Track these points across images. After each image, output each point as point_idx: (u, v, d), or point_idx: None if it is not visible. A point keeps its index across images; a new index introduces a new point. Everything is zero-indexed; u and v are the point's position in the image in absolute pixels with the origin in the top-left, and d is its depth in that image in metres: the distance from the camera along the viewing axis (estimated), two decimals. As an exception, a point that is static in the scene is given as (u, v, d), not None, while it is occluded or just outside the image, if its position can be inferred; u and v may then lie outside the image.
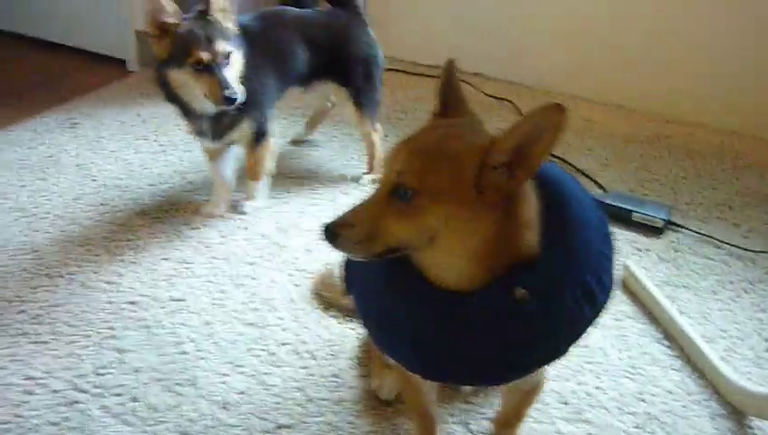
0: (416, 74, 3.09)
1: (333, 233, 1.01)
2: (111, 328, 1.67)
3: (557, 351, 1.07)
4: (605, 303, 1.06)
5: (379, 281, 1.12)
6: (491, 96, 2.87)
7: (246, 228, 2.04)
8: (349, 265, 1.23)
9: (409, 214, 0.97)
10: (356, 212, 1.01)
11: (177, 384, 1.52)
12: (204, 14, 1.81)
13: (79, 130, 2.54)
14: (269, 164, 2.12)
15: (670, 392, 1.54)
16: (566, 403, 1.49)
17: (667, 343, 1.66)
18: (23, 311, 1.72)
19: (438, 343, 1.05)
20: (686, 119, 2.70)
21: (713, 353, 1.59)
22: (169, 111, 2.56)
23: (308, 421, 1.44)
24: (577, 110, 2.73)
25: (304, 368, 1.57)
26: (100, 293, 1.78)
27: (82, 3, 3.01)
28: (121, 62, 3.05)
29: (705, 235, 2.04)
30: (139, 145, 2.46)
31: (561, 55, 2.87)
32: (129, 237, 1.98)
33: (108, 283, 1.81)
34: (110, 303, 1.75)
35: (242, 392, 1.51)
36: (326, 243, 1.01)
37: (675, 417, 1.48)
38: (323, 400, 1.50)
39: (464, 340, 1.03)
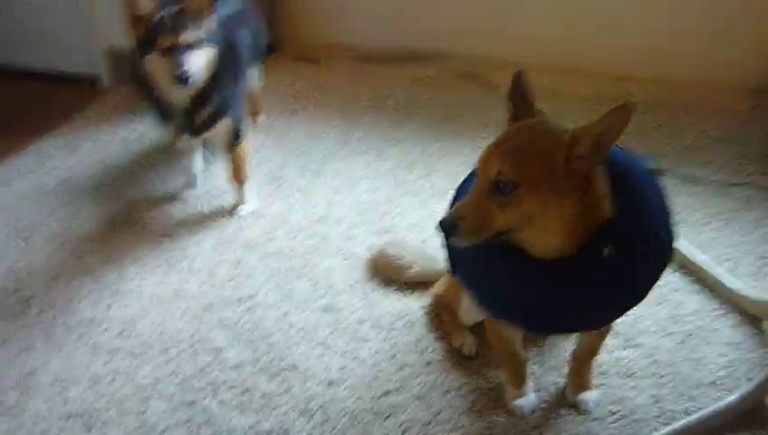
0: (386, 60, 3.24)
1: (449, 227, 1.21)
2: (197, 331, 1.82)
3: (641, 295, 1.33)
4: (672, 250, 1.30)
5: (486, 260, 1.34)
6: (459, 73, 3.09)
7: (284, 224, 2.20)
8: (451, 250, 1.44)
9: (511, 204, 1.18)
10: (464, 207, 1.22)
11: (281, 371, 1.70)
12: (181, 10, 1.94)
13: (80, 152, 2.61)
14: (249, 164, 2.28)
15: (697, 311, 1.82)
16: (617, 333, 1.75)
17: (683, 270, 1.94)
18: (106, 329, 1.84)
19: (546, 304, 1.30)
20: (637, 75, 2.99)
21: (724, 274, 1.89)
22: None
23: (408, 384, 1.65)
24: (542, 77, 2.97)
25: (387, 339, 1.77)
26: (172, 302, 1.92)
27: (48, 25, 3.04)
28: (92, 81, 3.10)
29: (684, 174, 2.34)
30: (149, 160, 2.56)
31: (521, 28, 3.10)
32: (178, 248, 2.11)
33: (175, 291, 1.95)
34: (187, 309, 1.89)
35: (342, 368, 1.69)
36: (443, 236, 1.23)
37: (706, 331, 1.76)
38: (414, 363, 1.70)
39: (567, 299, 1.28)
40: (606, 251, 1.22)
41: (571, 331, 1.55)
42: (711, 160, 2.44)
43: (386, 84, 3.05)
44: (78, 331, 1.83)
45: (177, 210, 2.28)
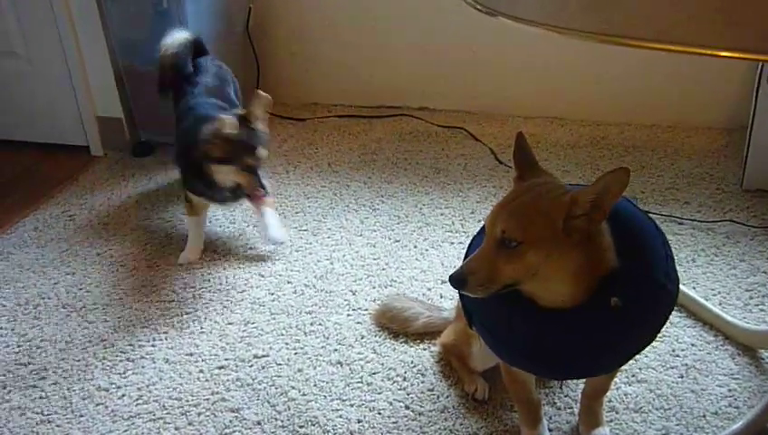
0: (370, 117, 3.36)
1: (460, 281, 1.31)
2: (215, 392, 1.86)
3: (647, 342, 1.42)
4: (677, 295, 1.39)
5: (497, 311, 1.43)
6: (443, 126, 3.21)
7: (290, 282, 2.25)
8: (467, 304, 1.51)
9: (516, 258, 1.28)
10: (472, 262, 1.32)
11: (300, 427, 1.74)
12: (246, 120, 2.21)
13: (78, 221, 2.65)
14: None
15: (693, 345, 1.91)
16: (621, 371, 1.82)
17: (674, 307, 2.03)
18: (123, 395, 1.87)
19: (556, 352, 1.38)
20: (613, 120, 3.14)
21: (715, 308, 1.98)
22: (157, 188, 2.78)
23: (426, 431, 1.70)
24: (522, 127, 3.11)
25: (401, 389, 1.83)
26: (186, 365, 1.96)
27: (38, 96, 3.10)
28: (83, 149, 3.15)
29: (667, 215, 2.45)
30: (147, 225, 2.61)
31: (498, 81, 3.24)
32: (185, 311, 2.16)
33: (188, 354, 1.99)
34: (201, 371, 1.93)
35: (360, 421, 1.74)
36: (456, 289, 1.34)
37: (705, 363, 1.84)
38: (430, 411, 1.76)
39: (575, 347, 1.37)
40: (614, 301, 1.31)
41: (581, 376, 1.63)
42: (691, 199, 2.55)
43: (374, 140, 3.15)
44: (95, 399, 1.86)
45: (181, 273, 2.33)
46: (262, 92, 2.27)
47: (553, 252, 1.27)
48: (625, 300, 1.30)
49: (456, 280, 1.31)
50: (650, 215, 2.38)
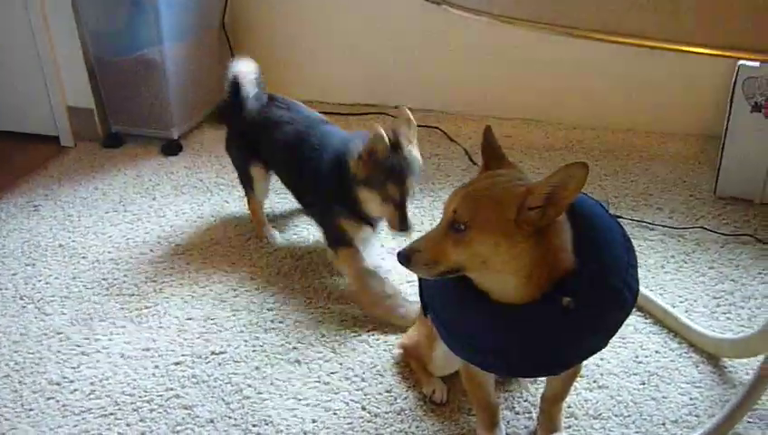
0: (345, 114, 3.33)
1: (406, 257, 1.30)
2: (169, 389, 1.82)
3: (598, 346, 1.40)
4: (634, 304, 1.36)
5: (451, 302, 1.42)
6: (418, 125, 3.16)
7: (252, 279, 2.22)
8: (424, 291, 1.49)
9: (463, 243, 1.27)
10: (423, 241, 1.32)
11: (253, 426, 1.70)
12: (397, 147, 1.96)
13: (43, 211, 2.61)
14: None
15: (657, 352, 1.88)
16: (582, 376, 1.79)
17: (640, 313, 2.01)
18: (75, 390, 1.83)
19: (503, 347, 1.36)
20: (590, 124, 3.12)
21: (680, 315, 1.96)
22: (126, 181, 2.73)
23: (381, 433, 1.67)
24: (499, 128, 3.08)
25: (359, 390, 1.79)
26: (142, 360, 1.92)
27: (9, 85, 3.06)
28: (53, 139, 3.10)
29: (639, 220, 2.42)
30: (111, 217, 2.57)
31: (475, 81, 3.21)
32: (145, 305, 2.12)
33: (145, 349, 1.95)
34: (157, 367, 1.89)
35: (314, 421, 1.71)
36: (401, 264, 1.32)
37: (668, 370, 1.82)
38: (387, 413, 1.73)
39: (523, 343, 1.33)
40: (565, 301, 1.27)
41: (531, 375, 1.60)
42: (663, 205, 2.53)
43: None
44: (46, 393, 1.82)
45: (144, 267, 2.29)
46: (406, 110, 2.05)
47: (502, 241, 1.24)
48: (577, 302, 1.27)
49: (403, 256, 1.31)
50: (622, 219, 2.40)
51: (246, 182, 2.41)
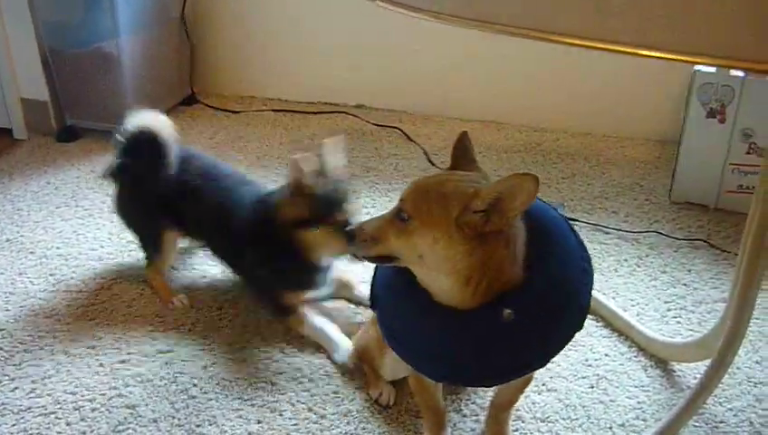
0: (305, 112, 3.31)
1: (351, 235, 1.34)
2: (113, 387, 1.78)
3: (537, 363, 1.37)
4: (580, 323, 1.34)
5: (394, 296, 1.41)
6: (378, 124, 3.16)
7: (205, 276, 2.18)
8: (375, 283, 1.47)
9: (405, 232, 1.27)
10: (370, 222, 1.34)
11: (197, 426, 1.67)
12: (325, 172, 1.84)
13: (-8, 204, 2.56)
14: None
15: (607, 355, 1.88)
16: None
17: (591, 316, 2.01)
18: (16, 388, 1.78)
19: (439, 351, 1.34)
20: (549, 127, 3.12)
21: (631, 319, 1.96)
22: (79, 175, 2.68)
23: (327, 434, 1.65)
24: (458, 128, 3.06)
25: (306, 391, 1.77)
26: (86, 357, 1.87)
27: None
28: (6, 132, 3.04)
29: (594, 224, 2.43)
30: (62, 212, 2.52)
31: (436, 82, 3.20)
32: (92, 302, 2.07)
33: (90, 347, 1.91)
34: (101, 365, 1.85)
35: (259, 422, 1.68)
36: (347, 240, 1.35)
37: (617, 374, 1.82)
38: (333, 414, 1.70)
39: (459, 350, 1.32)
40: (506, 313, 1.25)
41: (463, 384, 1.59)
42: (618, 209, 2.54)
43: (307, 136, 3.09)
44: (-15, 390, 1.78)
45: (92, 263, 2.25)
46: (335, 139, 1.89)
47: (440, 239, 1.23)
48: (520, 314, 1.25)
49: (349, 233, 1.34)
50: (577, 222, 2.40)
51: (154, 248, 2.11)
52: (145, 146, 1.98)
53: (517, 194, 1.18)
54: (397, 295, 1.40)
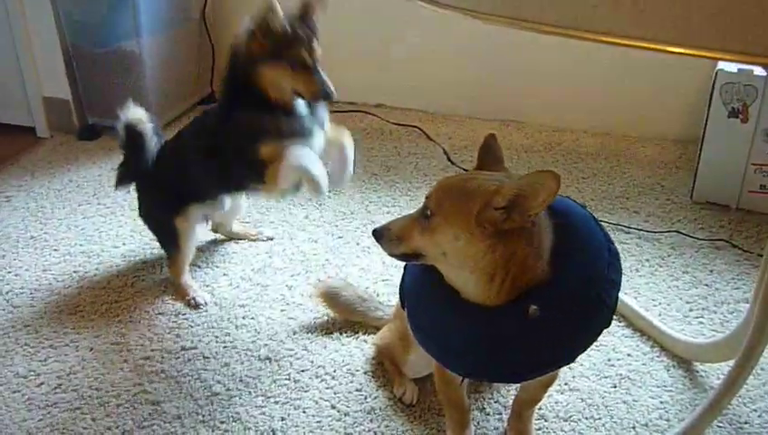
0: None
1: (379, 233, 1.36)
2: (138, 384, 1.80)
3: (563, 360, 1.37)
4: (608, 320, 1.33)
5: (423, 294, 1.42)
6: (397, 124, 3.16)
7: (226, 274, 2.20)
8: (404, 281, 1.49)
9: (428, 230, 1.29)
10: (396, 221, 1.36)
11: (221, 422, 1.68)
12: (303, 18, 1.85)
13: (15, 202, 2.57)
14: None
15: (629, 355, 1.88)
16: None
17: (614, 316, 2.00)
18: (42, 383, 1.80)
19: (466, 348, 1.34)
20: (569, 126, 3.12)
21: (654, 319, 1.96)
22: (101, 173, 2.70)
23: (350, 432, 1.65)
24: (479, 128, 3.08)
25: (329, 388, 1.78)
26: (111, 354, 1.89)
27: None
28: (29, 130, 3.07)
29: (615, 223, 2.42)
30: (85, 210, 2.54)
31: (457, 82, 3.19)
32: (116, 299, 2.09)
33: (114, 344, 1.93)
34: (126, 361, 1.87)
35: (283, 419, 1.69)
36: (374, 239, 1.38)
37: (640, 374, 1.82)
38: (356, 412, 1.71)
39: (486, 347, 1.32)
40: (531, 309, 1.25)
41: (490, 380, 1.59)
42: (639, 209, 2.54)
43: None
44: (12, 386, 1.79)
45: (116, 260, 2.26)
46: None
47: (461, 235, 1.24)
48: (546, 311, 1.25)
49: (376, 231, 1.37)
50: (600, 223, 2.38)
51: (171, 241, 2.10)
52: (130, 142, 2.06)
53: (539, 191, 1.18)
54: (425, 293, 1.41)
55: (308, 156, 1.84)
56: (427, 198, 1.30)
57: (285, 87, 1.83)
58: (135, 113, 2.05)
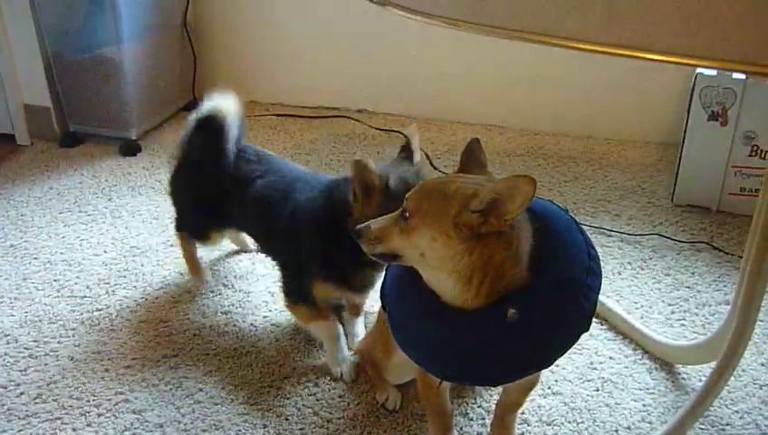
0: (308, 117, 3.31)
1: (359, 232, 1.37)
2: (119, 392, 1.78)
3: (545, 361, 1.37)
4: (587, 324, 1.33)
5: (403, 297, 1.42)
6: (380, 129, 3.17)
7: (208, 281, 2.18)
8: (385, 283, 1.49)
9: (406, 231, 1.29)
10: (377, 221, 1.36)
11: (203, 431, 1.67)
12: (406, 157, 1.67)
13: (-4, 210, 2.56)
14: None
15: (611, 358, 1.88)
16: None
17: (596, 319, 2.01)
18: (21, 393, 1.79)
19: (446, 351, 1.33)
20: (551, 130, 3.13)
21: (636, 322, 1.96)
22: (82, 181, 2.68)
23: (333, 439, 1.66)
24: (460, 132, 3.09)
25: (312, 395, 1.77)
26: (91, 363, 1.88)
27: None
28: (9, 138, 3.04)
29: (597, 227, 2.43)
30: (65, 218, 2.52)
31: (439, 86, 3.21)
32: (97, 307, 2.08)
33: (95, 353, 1.91)
34: (107, 370, 1.85)
35: (265, 426, 1.68)
36: (354, 237, 1.38)
37: (622, 377, 1.82)
38: (339, 419, 1.71)
39: (466, 350, 1.31)
40: (510, 313, 1.25)
41: (469, 383, 1.59)
42: (621, 212, 2.55)
43: (309, 140, 3.09)
44: (-9, 396, 1.78)
45: (96, 269, 2.25)
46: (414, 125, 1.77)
47: (438, 237, 1.24)
48: (524, 315, 1.25)
49: (356, 231, 1.37)
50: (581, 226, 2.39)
51: (195, 234, 2.12)
52: (210, 129, 1.92)
53: (515, 195, 1.19)
54: (405, 295, 1.42)
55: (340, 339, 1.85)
56: (406, 199, 1.30)
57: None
58: (226, 104, 1.94)
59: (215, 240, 2.13)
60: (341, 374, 1.83)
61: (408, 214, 1.28)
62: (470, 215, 1.22)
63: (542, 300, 1.29)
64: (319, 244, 1.72)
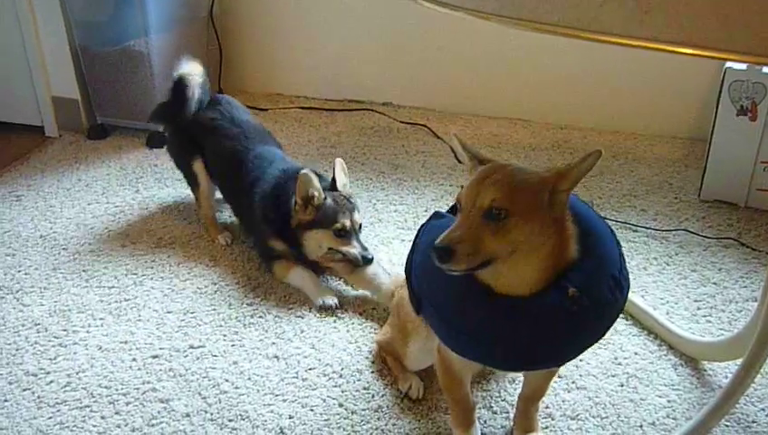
0: (333, 110, 3.32)
1: (448, 251, 1.23)
2: (146, 382, 1.81)
3: (600, 335, 1.39)
4: (628, 290, 1.37)
5: (452, 296, 1.38)
6: (405, 122, 3.17)
7: (233, 273, 2.20)
8: (416, 290, 1.47)
9: (503, 230, 1.24)
10: (459, 234, 1.25)
11: (229, 421, 1.69)
12: (334, 190, 2.14)
13: (25, 202, 2.59)
14: None
15: (637, 354, 1.88)
16: (561, 376, 1.79)
17: (621, 314, 2.00)
18: (51, 381, 1.81)
19: (507, 339, 1.33)
20: (577, 124, 3.12)
21: (661, 317, 1.95)
22: (110, 172, 2.72)
23: (358, 430, 1.66)
24: (486, 126, 3.09)
25: (336, 386, 1.79)
26: (120, 352, 1.90)
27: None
28: (37, 129, 3.08)
29: (623, 222, 2.42)
30: (94, 209, 2.55)
31: (464, 80, 3.21)
32: (125, 297, 2.10)
33: (123, 342, 1.94)
34: (134, 360, 1.88)
35: (291, 417, 1.70)
36: (440, 262, 1.24)
37: (647, 372, 1.82)
38: (364, 410, 1.72)
39: (528, 334, 1.32)
40: (572, 291, 1.28)
41: (530, 368, 1.58)
42: (647, 207, 2.53)
43: (334, 133, 3.10)
44: (22, 384, 1.80)
45: (124, 259, 2.27)
46: (339, 160, 2.23)
47: (537, 227, 1.26)
48: (582, 290, 1.28)
49: (444, 250, 1.23)
50: (606, 220, 2.38)
51: (191, 180, 2.43)
52: (175, 89, 2.37)
53: (584, 170, 1.25)
54: (456, 296, 1.37)
55: (309, 275, 2.17)
56: (493, 200, 1.23)
57: (322, 250, 2.11)
58: (189, 67, 2.39)
59: (202, 175, 2.40)
60: (323, 302, 2.06)
61: (503, 214, 1.23)
62: (559, 195, 1.27)
63: (594, 274, 1.32)
64: (268, 225, 2.18)
